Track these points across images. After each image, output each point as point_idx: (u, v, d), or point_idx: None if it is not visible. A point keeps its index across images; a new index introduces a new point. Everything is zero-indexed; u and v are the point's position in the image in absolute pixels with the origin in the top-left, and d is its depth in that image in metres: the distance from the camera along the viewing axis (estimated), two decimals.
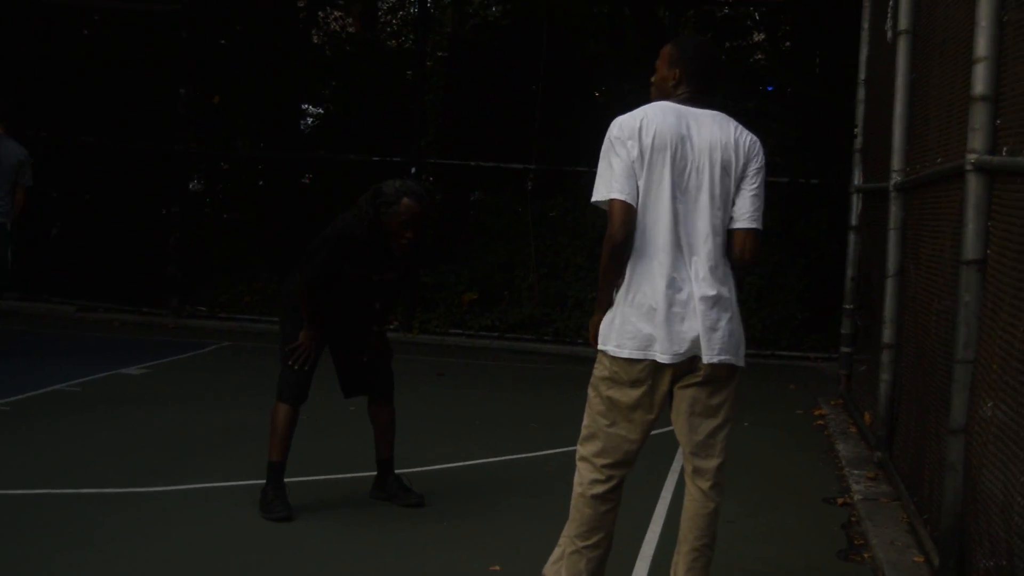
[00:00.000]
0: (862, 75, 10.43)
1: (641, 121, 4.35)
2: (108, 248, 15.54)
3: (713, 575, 4.58)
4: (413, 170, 14.21)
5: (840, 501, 7.03)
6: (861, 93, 10.47)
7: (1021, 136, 4.51)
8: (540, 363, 12.80)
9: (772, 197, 14.02)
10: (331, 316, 6.33)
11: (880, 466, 7.50)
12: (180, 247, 15.04)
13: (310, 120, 19.40)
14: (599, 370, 4.49)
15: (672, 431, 4.55)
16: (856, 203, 10.50)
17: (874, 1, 9.98)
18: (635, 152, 4.30)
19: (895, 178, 7.57)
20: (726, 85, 14.39)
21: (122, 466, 7.14)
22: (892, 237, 7.57)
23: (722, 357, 4.37)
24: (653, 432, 4.53)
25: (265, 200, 17.27)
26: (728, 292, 4.42)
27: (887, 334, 7.58)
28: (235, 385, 10.27)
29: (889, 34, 8.21)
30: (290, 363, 6.25)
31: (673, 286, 4.31)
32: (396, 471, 6.63)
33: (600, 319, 4.46)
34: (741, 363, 4.47)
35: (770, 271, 13.66)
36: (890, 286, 7.59)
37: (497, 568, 5.49)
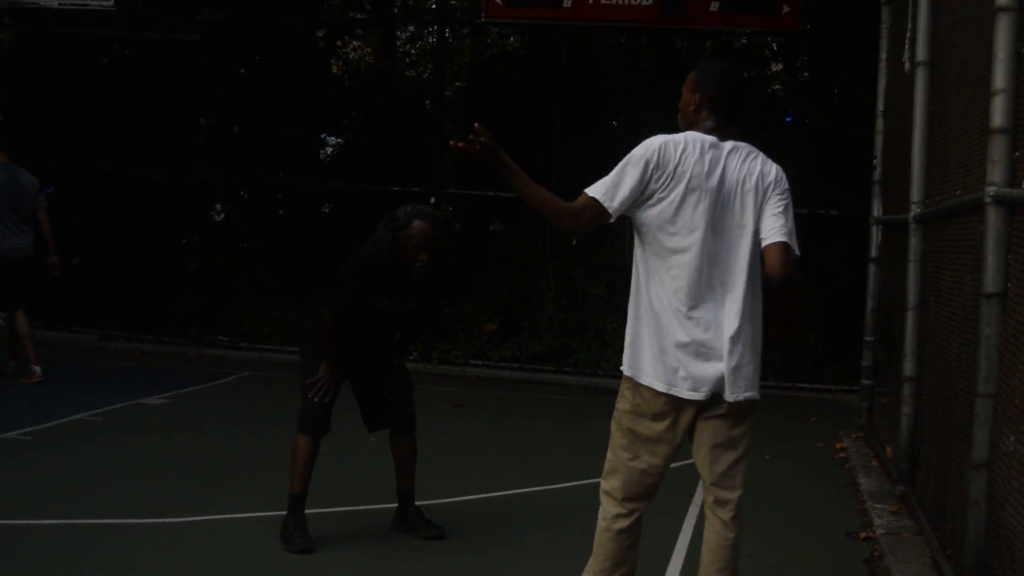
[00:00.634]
0: (880, 106, 10.42)
1: (680, 153, 4.35)
2: (129, 277, 15.60)
3: None
4: (432, 200, 14.23)
5: (862, 535, 7.00)
6: (879, 124, 10.45)
7: None
8: (560, 394, 12.79)
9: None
10: (352, 348, 6.34)
11: (902, 500, 7.46)
12: (200, 277, 15.09)
13: (329, 150, 19.47)
14: (622, 403, 4.50)
15: (692, 464, 4.55)
16: (875, 234, 10.46)
17: (892, 32, 9.99)
18: (657, 180, 4.32)
19: (914, 210, 7.56)
20: (745, 114, 14.50)
21: (142, 496, 7.15)
22: (912, 269, 7.55)
23: (747, 394, 4.39)
24: (675, 464, 4.54)
25: (284, 229, 17.31)
26: (754, 329, 4.42)
27: (908, 367, 7.55)
28: (256, 415, 10.28)
29: (907, 65, 8.21)
30: (311, 396, 6.28)
31: (701, 323, 4.33)
32: (416, 503, 6.63)
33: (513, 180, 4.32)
34: (759, 396, 4.48)
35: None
36: (910, 319, 7.56)
37: None
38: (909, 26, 8.09)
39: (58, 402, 10.12)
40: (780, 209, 4.42)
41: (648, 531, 4.67)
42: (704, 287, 4.35)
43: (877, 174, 10.48)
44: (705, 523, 4.58)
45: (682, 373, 4.34)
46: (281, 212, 17.93)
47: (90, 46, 16.83)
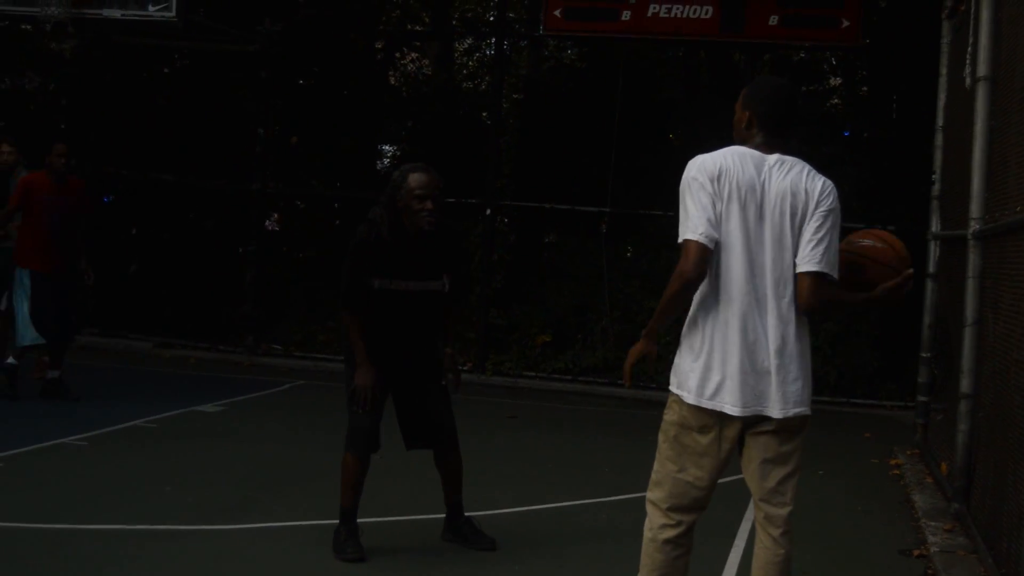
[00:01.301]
0: (940, 121, 10.34)
1: (720, 167, 4.34)
2: (185, 285, 15.72)
3: None
4: (488, 212, 14.27)
5: (916, 553, 6.94)
6: (939, 139, 10.37)
7: None
8: (613, 407, 12.76)
9: None
10: (385, 347, 6.21)
11: (957, 518, 7.39)
12: (256, 285, 15.18)
13: (386, 160, 19.56)
14: (669, 415, 4.50)
15: (743, 479, 4.53)
16: (933, 250, 10.38)
17: (952, 47, 9.91)
18: (712, 196, 4.31)
19: (974, 226, 7.49)
20: (802, 129, 14.42)
21: (197, 502, 7.20)
22: (970, 286, 7.48)
23: (797, 410, 4.36)
24: (726, 479, 4.52)
25: (340, 239, 17.37)
26: (801, 343, 4.39)
27: (965, 384, 7.48)
28: (310, 424, 10.32)
29: (968, 80, 8.15)
30: (354, 408, 6.25)
31: (746, 338, 4.31)
32: (468, 514, 6.62)
33: (643, 348, 4.53)
34: (809, 411, 4.44)
35: (845, 317, 13.52)
36: (968, 335, 7.49)
37: None
38: (970, 41, 8.04)
39: (113, 409, 10.20)
40: (819, 232, 4.36)
41: (699, 548, 4.65)
42: (749, 301, 4.33)
43: (936, 189, 10.40)
44: (755, 539, 4.56)
45: (727, 388, 4.32)
46: (337, 222, 18.01)
47: (151, 56, 17.01)
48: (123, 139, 16.31)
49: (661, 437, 4.54)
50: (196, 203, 16.65)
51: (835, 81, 18.38)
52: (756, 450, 4.44)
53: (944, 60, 10.24)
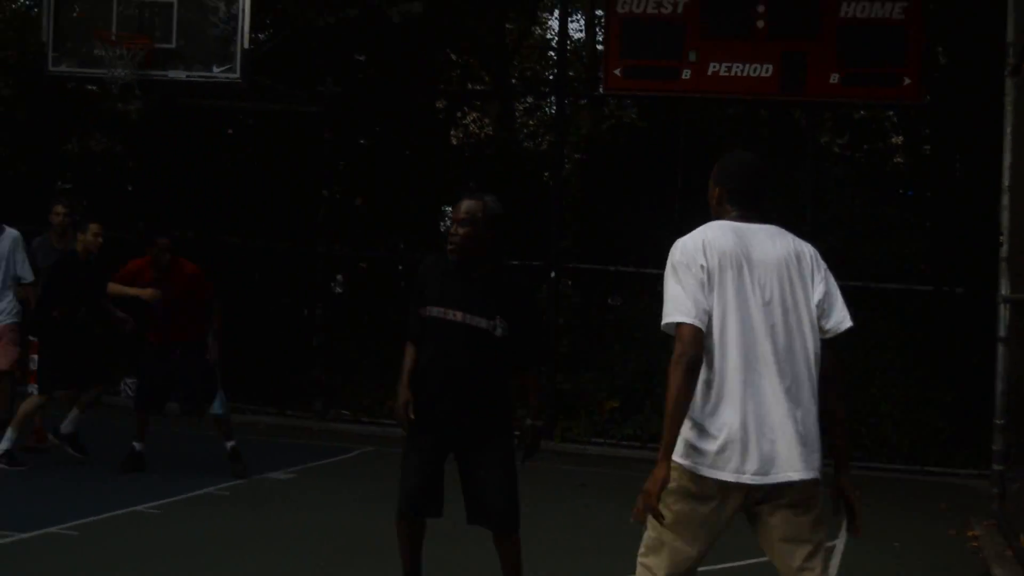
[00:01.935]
0: (1006, 181, 10.28)
1: (703, 242, 4.38)
2: (253, 349, 15.82)
3: None
4: (552, 274, 14.27)
5: None
6: (1005, 200, 10.31)
7: None
8: None
9: (916, 305, 13.76)
10: (438, 391, 6.08)
11: None
12: (324, 349, 15.24)
13: (449, 221, 19.62)
14: (669, 482, 4.38)
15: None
16: (1004, 313, 10.30)
17: (1016, 106, 9.87)
18: (701, 274, 4.32)
19: None
20: (864, 190, 14.33)
21: (271, 572, 7.26)
22: None
23: (802, 476, 4.27)
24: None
25: (405, 302, 17.40)
26: (807, 409, 4.32)
27: None
28: (379, 492, 10.26)
29: None
30: (401, 430, 6.19)
31: (746, 407, 4.26)
32: None
33: (665, 475, 4.25)
34: (818, 475, 4.33)
35: (916, 383, 13.37)
36: None
37: None
38: None
39: (186, 476, 10.28)
40: (832, 291, 4.43)
41: None
42: (751, 366, 4.28)
43: (1004, 251, 10.32)
44: None
45: (728, 456, 4.26)
46: (403, 284, 18.10)
47: (216, 118, 17.22)
48: (189, 201, 16.46)
49: (660, 504, 4.31)
50: (262, 265, 16.77)
51: (897, 139, 18.30)
52: (773, 531, 4.37)
53: (1008, 119, 10.21)
